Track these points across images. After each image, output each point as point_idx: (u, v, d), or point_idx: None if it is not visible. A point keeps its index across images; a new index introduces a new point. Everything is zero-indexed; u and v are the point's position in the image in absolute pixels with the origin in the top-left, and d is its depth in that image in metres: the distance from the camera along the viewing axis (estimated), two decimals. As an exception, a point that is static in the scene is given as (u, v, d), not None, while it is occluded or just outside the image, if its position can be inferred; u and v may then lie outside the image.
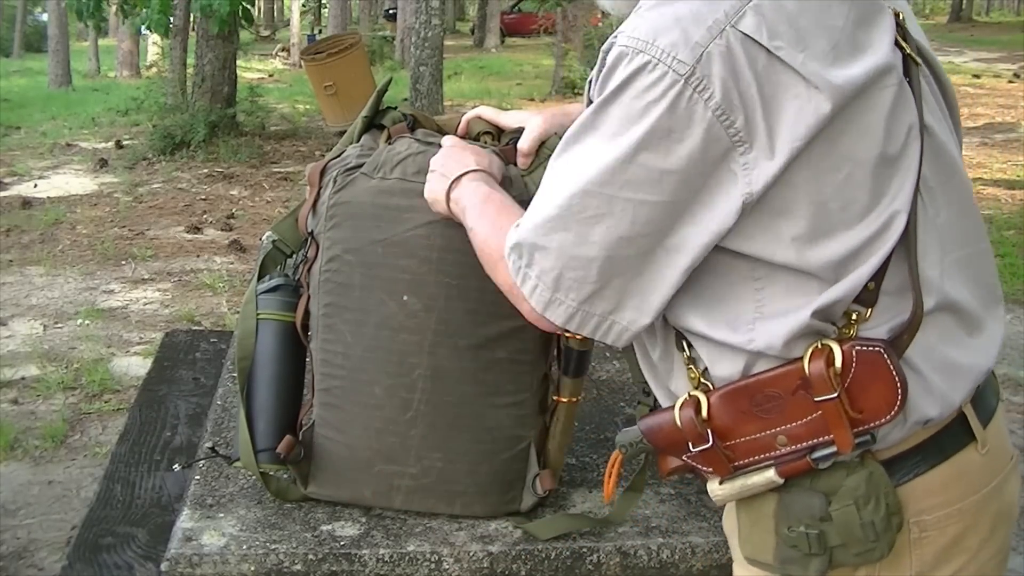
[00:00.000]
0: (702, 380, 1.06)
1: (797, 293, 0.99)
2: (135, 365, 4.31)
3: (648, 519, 1.57)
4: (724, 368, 1.04)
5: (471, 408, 1.50)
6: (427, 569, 1.47)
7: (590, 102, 1.04)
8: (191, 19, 9.97)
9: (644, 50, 0.95)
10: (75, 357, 4.45)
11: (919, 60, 1.07)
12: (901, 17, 1.06)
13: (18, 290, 5.49)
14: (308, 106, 12.74)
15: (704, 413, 1.04)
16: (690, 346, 1.06)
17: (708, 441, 1.04)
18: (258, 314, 1.58)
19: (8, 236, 6.62)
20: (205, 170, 8.83)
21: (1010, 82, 15.23)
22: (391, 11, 26.55)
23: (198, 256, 6.19)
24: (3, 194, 7.96)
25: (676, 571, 1.50)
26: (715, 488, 1.07)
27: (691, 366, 1.06)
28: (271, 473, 1.57)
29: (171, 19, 8.83)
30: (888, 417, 0.98)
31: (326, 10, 30.97)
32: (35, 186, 8.30)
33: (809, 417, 1.00)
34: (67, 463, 3.44)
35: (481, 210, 1.23)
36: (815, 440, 1.00)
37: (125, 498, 2.15)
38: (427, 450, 1.51)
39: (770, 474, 1.02)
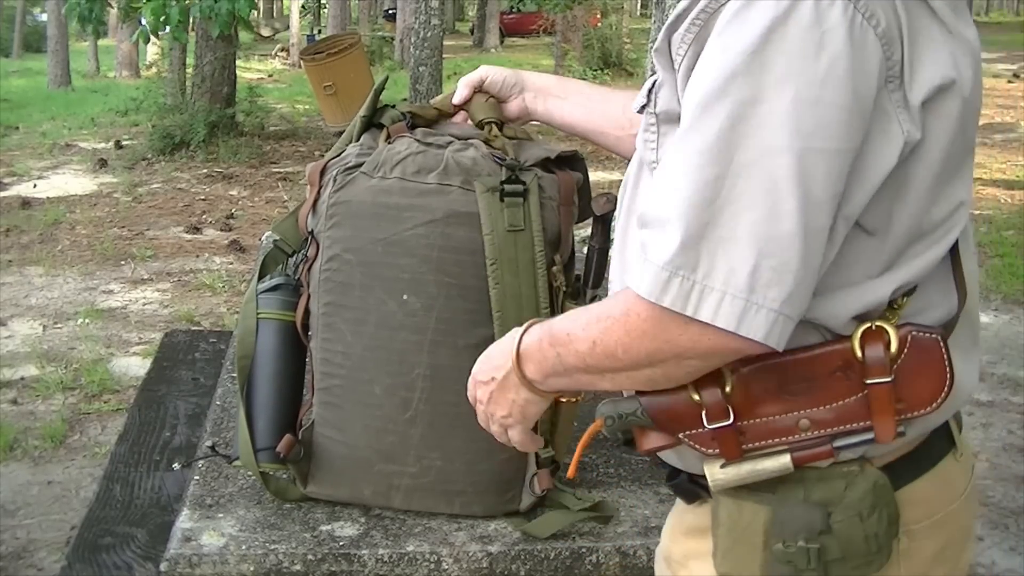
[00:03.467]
0: None
1: (864, 265, 0.93)
2: (134, 365, 4.31)
3: (647, 519, 1.57)
4: None
5: (470, 408, 1.50)
6: (426, 569, 1.47)
7: (669, 61, 0.94)
8: (191, 20, 9.96)
9: None
10: (74, 357, 4.45)
11: None
12: None
13: (18, 290, 5.48)
14: (308, 106, 12.74)
15: (728, 388, 0.94)
16: None
17: (729, 418, 0.95)
18: (258, 313, 1.58)
19: (8, 236, 6.62)
20: (204, 170, 8.83)
21: (1009, 82, 15.23)
22: (391, 11, 26.53)
23: (197, 256, 6.19)
24: (3, 194, 7.96)
25: (676, 571, 1.50)
26: (715, 472, 0.98)
27: None
28: (270, 472, 1.57)
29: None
30: (928, 409, 0.94)
31: (326, 10, 30.98)
32: (35, 186, 8.30)
33: (840, 402, 0.94)
34: (66, 463, 3.44)
35: (579, 325, 0.99)
36: (841, 427, 0.94)
37: (124, 498, 2.15)
38: (426, 449, 1.51)
39: (785, 460, 0.95)
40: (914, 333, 0.93)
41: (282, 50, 24.27)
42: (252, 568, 1.44)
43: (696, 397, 0.95)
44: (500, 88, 1.51)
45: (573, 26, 16.78)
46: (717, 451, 0.97)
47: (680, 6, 0.95)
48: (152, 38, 8.38)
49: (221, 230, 6.86)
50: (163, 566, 1.44)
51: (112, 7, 9.16)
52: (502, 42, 26.80)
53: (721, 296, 0.86)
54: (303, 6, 30.34)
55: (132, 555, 1.94)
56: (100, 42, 21.53)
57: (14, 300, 5.32)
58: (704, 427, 0.96)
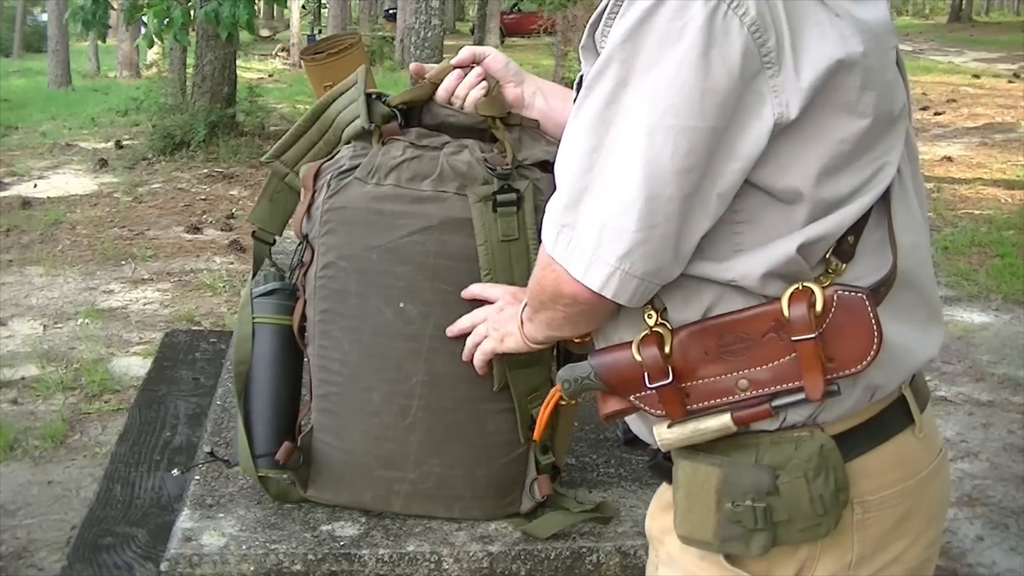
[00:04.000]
0: (660, 321, 1.03)
1: (781, 228, 0.98)
2: (135, 365, 4.31)
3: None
4: (684, 311, 1.02)
5: (469, 414, 1.50)
6: (427, 569, 1.47)
7: (595, 52, 1.01)
8: (191, 20, 9.96)
9: None
10: (75, 357, 4.45)
11: None
12: None
13: (18, 290, 5.49)
14: (308, 106, 12.69)
15: (667, 350, 1.01)
16: None
17: (668, 377, 1.01)
18: (254, 318, 1.57)
19: (8, 236, 6.62)
20: (205, 170, 8.83)
21: (1010, 82, 15.23)
22: (391, 11, 26.54)
23: (198, 256, 6.19)
24: (3, 194, 7.96)
25: (676, 571, 1.50)
26: (663, 432, 1.04)
27: (648, 306, 1.03)
28: (271, 476, 1.57)
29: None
30: (859, 367, 0.97)
31: (326, 10, 30.99)
32: (35, 186, 8.30)
33: (776, 362, 0.99)
34: (67, 463, 3.44)
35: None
36: (778, 387, 0.99)
37: (125, 498, 2.15)
38: (425, 456, 1.51)
39: (726, 419, 1.00)
40: (840, 292, 0.98)
41: (282, 50, 24.27)
42: (253, 568, 1.44)
43: (638, 357, 1.02)
44: (502, 68, 1.51)
45: (573, 26, 16.76)
46: (663, 412, 1.04)
47: (601, 5, 1.03)
48: (155, 39, 8.35)
49: (221, 230, 6.86)
50: (163, 566, 1.44)
51: (115, 9, 9.16)
52: (502, 42, 26.82)
53: (581, 251, 0.98)
54: (303, 6, 30.33)
55: (133, 555, 1.94)
56: (100, 42, 21.53)
57: (14, 300, 5.32)
58: (648, 388, 1.03)
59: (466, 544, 1.49)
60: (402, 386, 1.48)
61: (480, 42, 26.22)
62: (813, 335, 0.96)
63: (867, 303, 0.97)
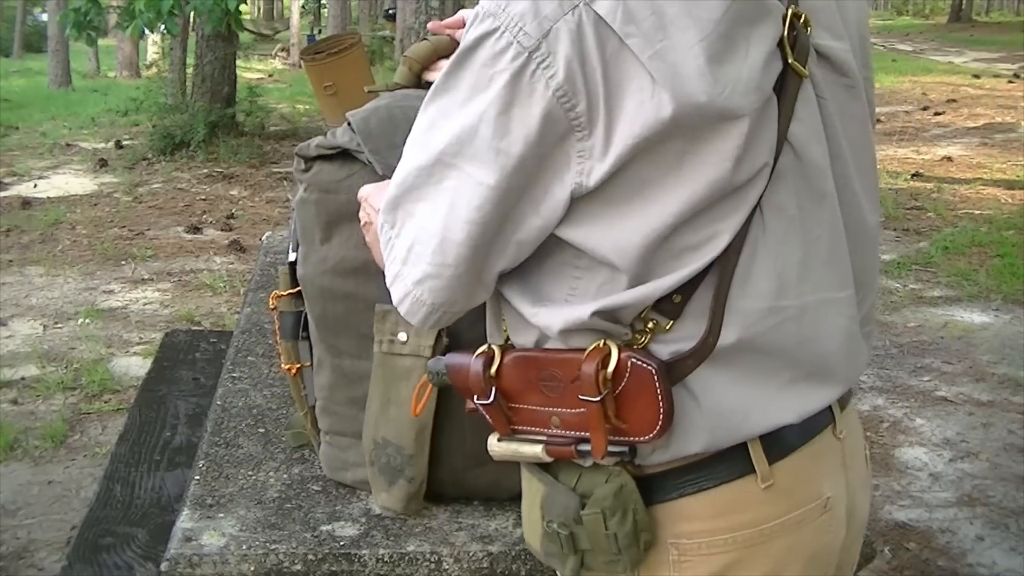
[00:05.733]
0: (509, 338, 1.05)
1: (608, 290, 0.95)
2: (135, 365, 4.31)
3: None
4: (520, 336, 1.03)
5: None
6: (427, 569, 1.47)
7: None
8: (191, 20, 9.96)
9: (495, 14, 0.89)
10: (75, 357, 4.45)
11: (806, 72, 0.95)
12: (802, 19, 0.96)
13: (18, 290, 5.49)
14: (308, 106, 12.74)
15: (493, 369, 1.02)
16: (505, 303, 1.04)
17: (489, 398, 1.02)
18: None
19: (8, 236, 6.62)
20: (205, 170, 8.83)
21: (1010, 82, 15.22)
22: (391, 11, 26.52)
23: (198, 256, 6.19)
24: (3, 194, 7.96)
25: (676, 571, 1.50)
26: (492, 443, 1.06)
27: (504, 321, 1.05)
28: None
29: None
30: (647, 438, 0.95)
31: (326, 10, 30.99)
32: (35, 186, 8.29)
33: (580, 409, 0.97)
34: (67, 463, 3.44)
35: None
36: (583, 433, 0.98)
37: (125, 498, 2.15)
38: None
39: (538, 450, 1.02)
40: (634, 360, 0.94)
41: (282, 50, 24.25)
42: (253, 568, 1.44)
43: (469, 371, 1.04)
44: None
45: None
46: (492, 424, 1.05)
47: None
48: (154, 37, 8.36)
49: (221, 230, 6.86)
50: (164, 566, 1.45)
51: (114, 8, 9.15)
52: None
53: (393, 258, 1.01)
54: (303, 6, 30.35)
55: (132, 555, 1.94)
56: (100, 42, 21.53)
57: (14, 300, 5.32)
58: (474, 401, 1.04)
59: (466, 544, 1.49)
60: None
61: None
62: (595, 399, 0.94)
63: (655, 377, 0.93)
